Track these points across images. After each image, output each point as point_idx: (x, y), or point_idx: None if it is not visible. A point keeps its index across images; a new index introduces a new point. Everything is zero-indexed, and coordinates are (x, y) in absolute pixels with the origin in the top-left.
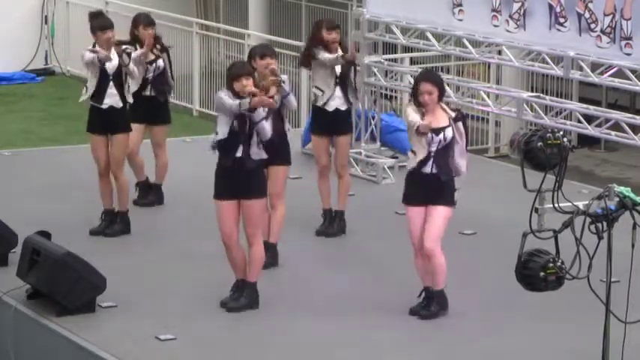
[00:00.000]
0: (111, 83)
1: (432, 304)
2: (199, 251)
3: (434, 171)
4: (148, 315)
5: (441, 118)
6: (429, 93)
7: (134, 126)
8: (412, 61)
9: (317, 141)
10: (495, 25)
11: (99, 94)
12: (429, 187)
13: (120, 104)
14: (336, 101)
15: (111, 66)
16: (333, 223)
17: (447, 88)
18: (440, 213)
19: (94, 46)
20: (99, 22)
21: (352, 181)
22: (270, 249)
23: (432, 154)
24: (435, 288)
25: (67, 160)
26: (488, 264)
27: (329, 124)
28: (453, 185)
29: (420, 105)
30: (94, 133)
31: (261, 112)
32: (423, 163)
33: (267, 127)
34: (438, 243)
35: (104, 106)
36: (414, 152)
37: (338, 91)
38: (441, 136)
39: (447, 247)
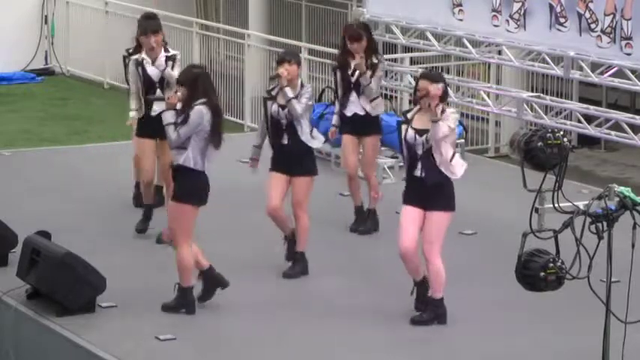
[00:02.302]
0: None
1: (427, 310)
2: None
3: (422, 175)
4: (148, 315)
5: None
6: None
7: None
8: (412, 61)
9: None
10: (495, 25)
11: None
12: (423, 190)
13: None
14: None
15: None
16: (365, 222)
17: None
18: (435, 218)
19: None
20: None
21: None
22: (298, 258)
23: (419, 156)
24: (432, 295)
25: (67, 160)
26: (488, 264)
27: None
28: (451, 190)
29: (417, 102)
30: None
31: (168, 117)
32: (412, 165)
33: (169, 132)
34: (433, 247)
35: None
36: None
37: (354, 96)
38: (424, 138)
39: (446, 247)
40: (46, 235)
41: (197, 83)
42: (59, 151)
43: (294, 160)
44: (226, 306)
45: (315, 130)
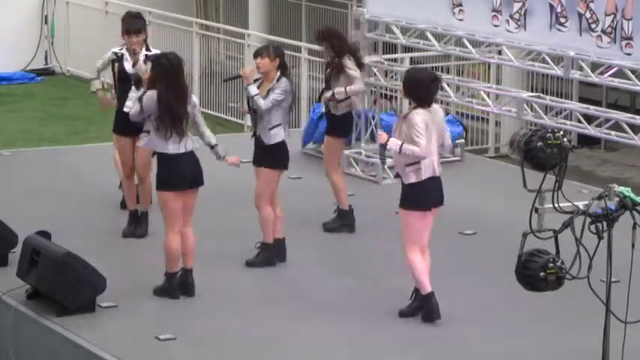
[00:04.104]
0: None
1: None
2: (198, 251)
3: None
4: (148, 315)
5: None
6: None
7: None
8: (412, 61)
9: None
10: (496, 25)
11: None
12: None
13: None
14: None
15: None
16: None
17: (446, 87)
18: (401, 216)
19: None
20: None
21: (348, 182)
22: (262, 248)
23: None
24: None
25: (67, 160)
26: (488, 264)
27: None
28: (409, 189)
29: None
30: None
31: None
32: None
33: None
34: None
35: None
36: None
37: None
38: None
39: (447, 247)
40: (46, 235)
41: (154, 68)
42: (59, 151)
43: (261, 151)
44: (226, 306)
45: (280, 127)
